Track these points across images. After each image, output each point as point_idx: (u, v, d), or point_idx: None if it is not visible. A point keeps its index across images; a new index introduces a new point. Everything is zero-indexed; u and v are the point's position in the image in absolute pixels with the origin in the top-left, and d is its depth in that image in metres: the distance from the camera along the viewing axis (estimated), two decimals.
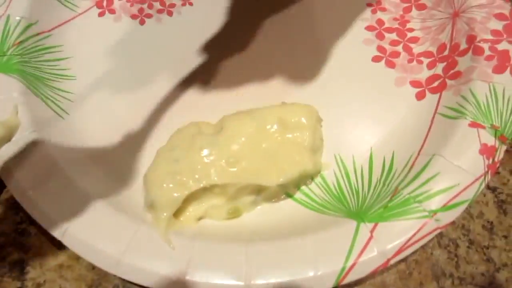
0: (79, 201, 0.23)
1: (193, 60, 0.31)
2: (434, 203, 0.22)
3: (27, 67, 0.28)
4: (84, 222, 0.23)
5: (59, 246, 0.24)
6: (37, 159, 0.25)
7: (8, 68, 0.27)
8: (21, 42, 0.28)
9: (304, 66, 0.30)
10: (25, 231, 0.26)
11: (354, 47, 0.31)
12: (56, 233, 0.23)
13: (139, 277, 0.22)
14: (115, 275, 0.23)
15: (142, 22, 0.33)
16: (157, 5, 0.33)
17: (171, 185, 0.24)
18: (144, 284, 0.22)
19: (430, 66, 0.30)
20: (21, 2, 0.29)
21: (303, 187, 0.26)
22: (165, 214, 0.23)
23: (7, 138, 0.24)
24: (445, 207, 0.22)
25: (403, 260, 0.24)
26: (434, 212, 0.22)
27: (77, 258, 0.26)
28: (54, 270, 0.25)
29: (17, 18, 0.29)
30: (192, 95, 0.29)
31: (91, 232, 0.23)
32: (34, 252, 0.26)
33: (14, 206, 0.27)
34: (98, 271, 0.25)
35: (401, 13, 0.32)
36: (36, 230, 0.26)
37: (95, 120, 0.28)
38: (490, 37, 0.27)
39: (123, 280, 0.23)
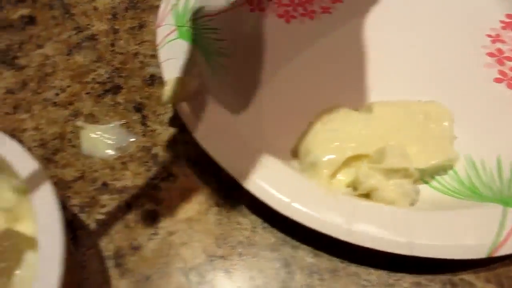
0: (253, 150, 0.26)
1: (334, 55, 0.35)
2: None
3: (199, 40, 0.32)
4: (261, 167, 0.26)
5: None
6: (215, 111, 0.28)
7: (189, 36, 0.31)
8: (196, 19, 0.33)
9: (436, 77, 0.34)
10: (156, 186, 0.29)
11: (477, 68, 0.35)
12: (237, 176, 0.26)
13: (308, 220, 0.24)
14: (242, 235, 0.25)
15: (287, 21, 0.37)
16: (300, 9, 0.38)
17: (331, 149, 0.27)
18: (313, 227, 0.24)
19: None
20: None
21: (437, 177, 0.29)
22: (326, 171, 0.26)
23: (192, 92, 0.28)
24: None
25: None
26: None
27: (205, 213, 0.28)
28: (184, 222, 0.28)
29: None
30: (333, 82, 0.33)
31: (267, 179, 0.25)
32: (165, 206, 0.28)
33: (147, 164, 0.30)
34: (224, 227, 0.27)
35: None
36: (166, 185, 0.29)
37: (248, 95, 0.32)
38: None
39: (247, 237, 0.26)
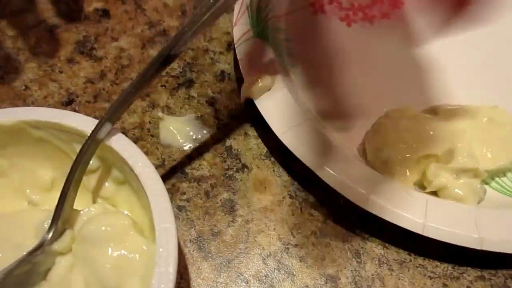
0: (327, 146, 0.28)
1: (394, 59, 0.36)
2: None
3: (271, 40, 0.34)
4: (336, 162, 0.27)
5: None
6: (290, 106, 0.30)
7: (263, 36, 0.33)
8: (268, 20, 0.35)
9: (495, 82, 0.35)
10: (232, 177, 0.31)
11: None
12: (313, 167, 0.27)
13: (384, 213, 0.26)
14: (314, 226, 0.27)
15: (348, 25, 0.39)
16: (360, 14, 0.39)
17: (404, 147, 0.28)
18: (390, 220, 0.26)
19: None
20: None
21: (496, 178, 0.31)
22: (398, 168, 0.28)
23: (268, 88, 0.30)
24: None
25: None
26: None
27: (279, 204, 0.30)
28: (259, 211, 0.30)
29: (266, 0, 0.35)
30: (396, 85, 0.35)
31: (342, 172, 0.27)
32: (241, 195, 0.30)
33: (222, 155, 0.31)
34: (297, 217, 0.29)
35: None
36: (241, 175, 0.30)
37: (314, 93, 0.34)
38: None
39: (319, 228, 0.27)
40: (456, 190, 0.27)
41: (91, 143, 0.21)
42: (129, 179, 0.23)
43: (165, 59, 0.23)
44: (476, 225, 0.26)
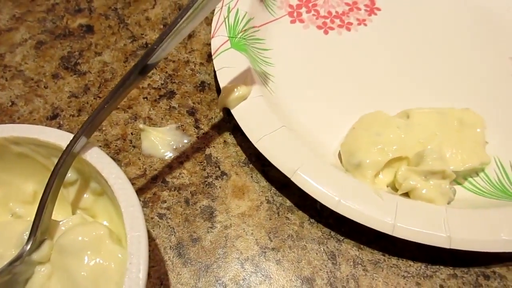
0: (301, 151, 0.29)
1: (370, 65, 0.37)
2: None
3: (248, 50, 0.35)
4: (309, 167, 0.28)
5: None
6: (265, 114, 0.31)
7: (239, 47, 0.34)
8: (244, 30, 0.36)
9: (467, 85, 0.36)
10: (211, 184, 0.32)
11: (506, 77, 0.37)
12: (287, 172, 0.28)
13: (356, 216, 0.27)
14: (291, 229, 0.28)
15: (325, 32, 0.40)
16: (337, 21, 0.40)
17: (375, 151, 0.29)
18: (361, 223, 0.27)
19: None
20: (246, 0, 0.37)
21: (469, 179, 0.31)
22: (370, 171, 0.29)
23: (245, 98, 0.31)
24: None
25: None
26: None
27: (257, 209, 0.31)
28: (238, 217, 0.30)
29: (244, 11, 0.36)
30: (371, 90, 0.36)
31: (316, 176, 0.28)
32: (219, 202, 0.31)
33: (202, 163, 0.32)
34: (274, 222, 0.30)
35: None
36: (220, 183, 0.32)
37: (292, 101, 0.35)
38: None
39: (295, 231, 0.28)
40: (425, 192, 0.28)
41: (67, 156, 0.22)
42: (106, 190, 0.24)
43: (141, 69, 0.23)
44: (445, 224, 0.26)
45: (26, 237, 0.22)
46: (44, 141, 0.23)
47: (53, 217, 0.23)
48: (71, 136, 0.23)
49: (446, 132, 0.31)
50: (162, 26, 0.39)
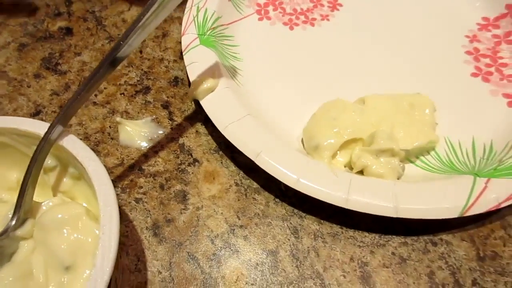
0: (265, 136, 0.32)
1: (333, 56, 0.40)
2: None
3: (217, 46, 0.38)
4: (272, 150, 0.31)
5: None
6: (231, 104, 0.33)
7: (208, 43, 0.37)
8: (213, 28, 0.38)
9: (421, 72, 0.39)
10: (184, 170, 0.34)
11: (457, 64, 0.40)
12: (251, 155, 0.31)
13: (312, 191, 0.29)
14: (257, 209, 0.31)
15: (291, 28, 0.43)
16: (302, 17, 0.43)
17: (331, 134, 0.32)
18: (318, 198, 0.29)
19: None
20: (214, 0, 0.40)
21: (421, 157, 0.34)
22: (327, 152, 0.31)
23: (212, 90, 0.34)
24: None
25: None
26: None
27: (226, 192, 0.33)
28: (209, 199, 0.33)
29: (212, 10, 0.39)
30: (333, 80, 0.38)
31: (277, 158, 0.31)
32: (192, 186, 0.34)
33: (176, 152, 0.35)
34: (242, 202, 0.33)
35: (493, 45, 0.42)
36: (192, 169, 0.34)
37: (260, 92, 0.37)
38: None
39: (261, 210, 0.31)
40: (375, 168, 0.31)
41: (44, 143, 0.25)
42: (83, 173, 0.26)
43: (111, 62, 0.26)
44: (393, 196, 0.29)
45: (10, 216, 0.25)
46: (24, 130, 0.26)
47: (35, 199, 0.26)
48: (48, 125, 0.25)
49: (397, 115, 0.34)
50: None
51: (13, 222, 0.24)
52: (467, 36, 0.42)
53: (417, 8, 0.44)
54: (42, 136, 0.25)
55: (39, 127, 0.25)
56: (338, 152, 0.33)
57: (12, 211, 0.25)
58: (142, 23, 0.25)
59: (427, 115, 0.35)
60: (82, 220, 0.25)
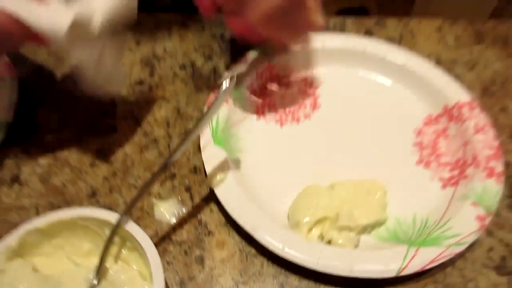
0: (260, 214, 0.45)
1: (311, 149, 0.54)
2: (452, 240, 0.43)
3: (226, 142, 0.51)
4: (265, 226, 0.44)
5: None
6: (236, 191, 0.47)
7: (220, 141, 0.51)
8: (223, 129, 0.52)
9: (378, 161, 0.53)
10: (202, 239, 0.47)
11: (405, 154, 0.54)
12: (250, 230, 0.44)
13: (292, 257, 0.42)
14: (255, 269, 0.43)
15: (281, 125, 0.57)
16: (290, 116, 0.57)
17: (308, 213, 0.45)
18: (297, 262, 0.42)
19: (451, 170, 0.51)
20: (225, 108, 0.54)
21: (374, 230, 0.47)
22: (304, 228, 0.44)
23: (223, 180, 0.47)
24: (457, 243, 0.42)
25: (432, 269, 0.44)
26: (451, 245, 0.42)
27: (232, 256, 0.46)
28: (220, 262, 0.45)
29: (223, 115, 0.53)
30: (310, 169, 0.52)
31: (268, 232, 0.43)
32: (207, 251, 0.46)
33: (195, 225, 0.48)
34: (244, 264, 0.45)
35: (434, 138, 0.55)
36: (208, 238, 0.47)
37: (258, 177, 0.51)
38: (484, 157, 0.49)
39: (258, 270, 0.43)
40: (338, 240, 0.43)
41: (115, 229, 0.38)
42: (137, 246, 0.39)
43: (164, 166, 0.39)
44: (350, 261, 0.42)
45: (92, 278, 0.37)
46: (101, 218, 0.39)
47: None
48: (116, 215, 0.38)
49: (356, 198, 0.47)
50: (165, 125, 0.56)
51: (95, 282, 0.37)
52: (415, 130, 0.56)
53: (378, 107, 0.58)
54: (112, 222, 0.38)
55: (110, 216, 0.38)
56: (313, 227, 0.46)
57: (91, 274, 0.37)
58: (188, 140, 0.38)
59: (380, 198, 0.47)
60: (137, 279, 0.37)
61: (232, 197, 0.46)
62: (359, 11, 0.95)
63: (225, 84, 0.39)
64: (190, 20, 0.68)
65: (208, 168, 0.48)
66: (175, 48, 0.65)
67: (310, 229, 0.45)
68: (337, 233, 0.44)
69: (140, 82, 0.60)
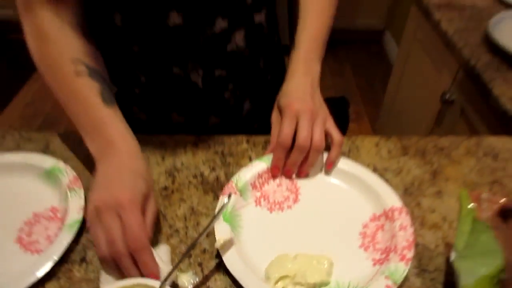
0: (248, 271, 0.71)
1: (291, 230, 0.80)
2: None
3: (232, 220, 0.79)
4: (249, 280, 0.70)
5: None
6: (234, 258, 0.73)
7: (228, 220, 0.78)
8: (230, 212, 0.80)
9: (332, 241, 0.78)
10: None
11: (352, 240, 0.79)
12: (243, 284, 0.69)
13: None
14: None
15: (270, 212, 0.84)
16: (277, 206, 0.85)
17: (275, 272, 0.70)
18: None
19: (381, 254, 0.76)
20: (233, 198, 0.82)
21: None
22: (272, 281, 0.69)
23: (229, 247, 0.74)
24: None
25: None
26: None
27: None
28: None
29: (231, 204, 0.81)
30: (284, 243, 0.78)
31: (250, 284, 0.69)
32: None
33: None
34: None
35: (374, 230, 0.80)
36: None
37: (252, 247, 0.77)
38: (401, 247, 0.74)
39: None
40: None
41: None
42: None
43: (191, 247, 0.67)
44: None
45: None
46: (148, 284, 0.66)
47: None
48: (158, 282, 0.65)
49: (309, 266, 0.72)
50: (184, 219, 0.84)
51: None
52: (363, 224, 0.82)
53: (338, 205, 0.85)
54: (154, 286, 0.65)
55: (154, 283, 0.65)
56: (279, 281, 0.71)
57: None
58: (206, 230, 0.67)
59: (327, 267, 0.72)
60: None
61: (232, 261, 0.73)
62: (340, 102, 1.23)
63: (225, 200, 0.69)
64: (200, 140, 0.93)
65: (218, 236, 0.75)
66: (189, 162, 0.87)
67: (276, 282, 0.70)
68: (293, 287, 0.69)
69: (165, 188, 0.84)
